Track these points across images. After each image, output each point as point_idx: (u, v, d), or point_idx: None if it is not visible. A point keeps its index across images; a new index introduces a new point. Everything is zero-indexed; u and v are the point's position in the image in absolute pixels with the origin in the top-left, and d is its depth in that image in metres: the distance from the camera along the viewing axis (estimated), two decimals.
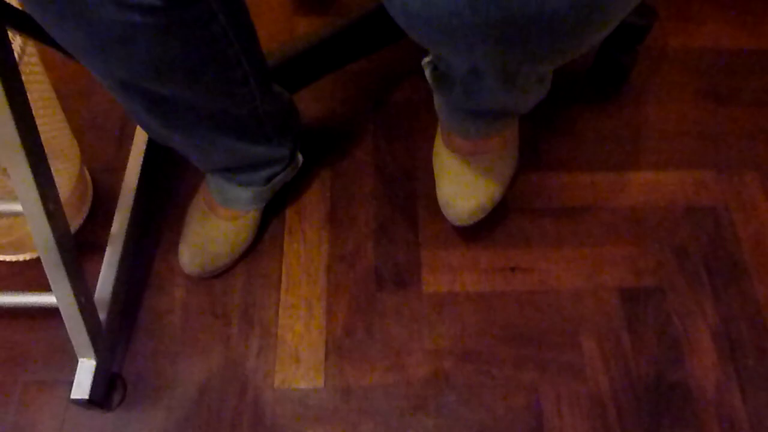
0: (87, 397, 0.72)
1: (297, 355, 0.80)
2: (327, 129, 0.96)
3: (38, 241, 0.65)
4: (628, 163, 0.94)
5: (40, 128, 0.76)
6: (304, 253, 0.87)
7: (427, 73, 0.72)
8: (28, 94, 0.61)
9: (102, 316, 0.76)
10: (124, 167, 0.89)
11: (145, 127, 0.69)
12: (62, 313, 0.70)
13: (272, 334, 0.81)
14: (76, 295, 0.69)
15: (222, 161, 0.76)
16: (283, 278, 0.85)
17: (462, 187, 0.78)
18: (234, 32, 0.58)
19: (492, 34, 0.39)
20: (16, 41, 0.70)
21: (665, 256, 0.87)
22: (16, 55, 0.68)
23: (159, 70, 0.55)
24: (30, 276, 0.85)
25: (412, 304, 0.83)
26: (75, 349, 0.73)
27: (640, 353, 0.80)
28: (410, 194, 0.91)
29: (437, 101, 0.76)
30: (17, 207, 0.64)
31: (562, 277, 0.85)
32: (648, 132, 0.96)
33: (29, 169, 0.62)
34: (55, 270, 0.67)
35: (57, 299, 0.69)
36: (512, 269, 0.86)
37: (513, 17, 0.37)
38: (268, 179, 0.81)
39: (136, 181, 0.87)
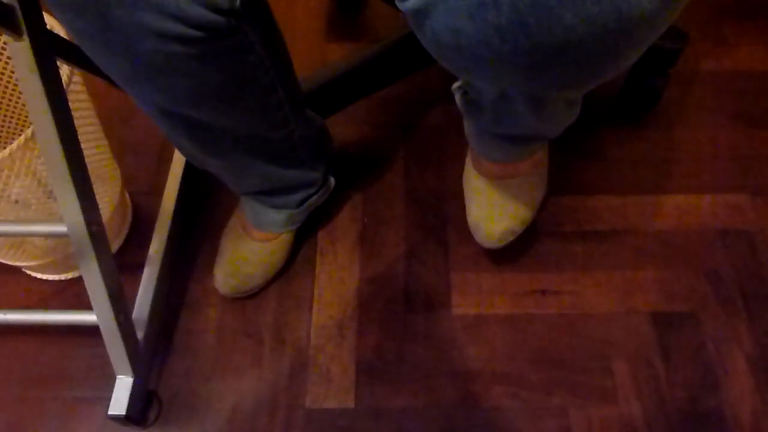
0: (124, 413, 0.74)
1: (328, 376, 0.81)
2: (359, 153, 0.98)
3: (81, 262, 0.67)
4: (660, 186, 0.93)
5: (84, 153, 0.79)
6: (336, 275, 0.88)
7: (457, 98, 0.74)
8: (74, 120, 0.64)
9: (140, 334, 0.78)
10: (162, 190, 0.92)
11: (182, 151, 0.71)
12: (102, 331, 0.72)
13: (304, 355, 0.82)
14: (116, 315, 0.72)
15: (256, 184, 0.78)
16: (315, 299, 0.86)
17: (492, 210, 0.78)
18: (270, 61, 0.60)
19: (520, 63, 0.40)
20: (63, 69, 0.74)
21: (698, 281, 0.86)
22: (63, 82, 0.72)
23: (198, 97, 0.58)
24: (71, 294, 0.88)
25: (442, 326, 0.84)
26: (113, 366, 0.75)
27: (674, 379, 0.79)
28: (440, 217, 0.92)
29: (467, 126, 0.77)
30: (62, 228, 0.67)
31: (592, 300, 0.85)
32: (680, 155, 0.96)
33: (75, 193, 0.64)
34: (96, 288, 0.70)
35: (97, 318, 0.72)
36: (542, 292, 0.86)
37: (540, 46, 0.38)
38: (301, 202, 0.82)
39: (174, 204, 0.90)
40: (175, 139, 0.67)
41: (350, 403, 0.79)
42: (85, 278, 0.69)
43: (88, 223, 0.66)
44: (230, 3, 0.50)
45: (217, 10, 0.49)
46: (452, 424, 0.77)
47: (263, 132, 0.69)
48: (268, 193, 0.80)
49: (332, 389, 0.80)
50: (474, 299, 0.86)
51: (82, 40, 0.52)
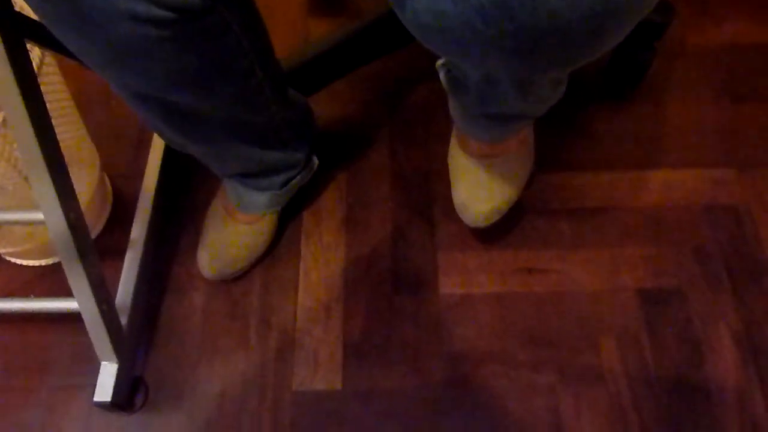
0: (110, 399, 0.73)
1: (315, 358, 0.81)
2: (343, 132, 0.97)
3: (60, 250, 0.66)
4: (647, 162, 0.93)
5: (59, 136, 0.77)
6: (321, 257, 0.87)
7: (442, 76, 0.72)
8: (46, 101, 0.62)
9: (123, 320, 0.77)
10: (143, 173, 0.90)
11: (161, 136, 0.70)
12: (84, 318, 0.71)
13: (290, 337, 0.82)
14: (98, 301, 0.70)
15: (238, 167, 0.76)
16: (301, 281, 0.86)
17: (477, 190, 0.78)
18: (248, 42, 0.58)
19: (505, 45, 0.39)
20: (35, 52, 0.71)
21: (685, 257, 0.86)
22: (35, 65, 0.69)
23: (174, 81, 0.56)
24: (54, 279, 0.87)
25: (429, 306, 0.83)
26: (97, 353, 0.74)
27: (660, 355, 0.80)
28: (426, 196, 0.91)
29: (452, 104, 0.76)
30: (39, 216, 0.65)
31: (579, 278, 0.85)
32: (666, 130, 0.95)
33: (50, 180, 0.63)
34: (76, 277, 0.68)
35: (79, 305, 0.70)
36: (529, 270, 0.86)
37: (525, 29, 0.37)
38: (285, 183, 0.81)
39: (155, 187, 0.88)
40: (152, 124, 0.66)
41: (338, 385, 0.79)
42: (65, 266, 0.68)
43: (66, 211, 0.65)
44: None
45: None
46: (441, 405, 0.78)
47: (244, 115, 0.67)
48: (250, 175, 0.78)
49: (320, 371, 0.80)
50: (461, 279, 0.85)
51: (51, 24, 0.50)
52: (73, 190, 0.67)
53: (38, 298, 0.76)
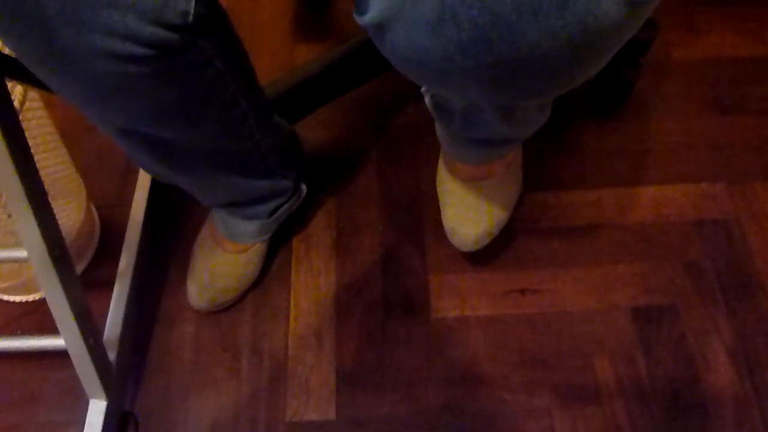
0: None
1: (308, 387, 0.80)
2: (330, 156, 0.96)
3: (45, 287, 0.65)
4: (635, 178, 0.93)
5: (43, 168, 0.76)
6: (312, 283, 0.87)
7: (427, 100, 0.72)
8: (30, 135, 0.61)
9: (111, 356, 0.76)
10: (130, 202, 0.90)
11: (145, 168, 0.69)
12: (71, 355, 0.70)
13: (282, 367, 0.81)
14: (85, 338, 0.69)
15: (225, 197, 0.76)
16: (292, 309, 0.85)
17: (467, 213, 0.77)
18: (230, 73, 0.58)
19: (484, 76, 0.39)
20: (18, 87, 0.71)
21: (677, 273, 0.85)
22: (17, 102, 0.69)
23: (157, 116, 0.55)
24: (40, 315, 0.86)
25: (422, 331, 0.83)
26: (85, 390, 0.73)
27: (655, 373, 0.79)
28: (416, 219, 0.91)
29: (438, 129, 0.76)
30: (22, 254, 0.65)
31: (572, 298, 0.84)
32: (654, 146, 0.96)
33: (33, 217, 0.62)
34: (62, 314, 0.67)
35: (65, 342, 0.69)
36: (522, 292, 0.85)
37: (504, 61, 0.37)
38: (273, 211, 0.81)
39: (143, 217, 0.88)
40: (136, 157, 0.65)
41: (331, 415, 0.78)
42: (49, 303, 0.67)
43: (50, 246, 0.64)
44: (183, 18, 0.48)
45: (168, 26, 0.47)
46: (436, 430, 0.77)
47: (228, 145, 0.66)
48: (238, 205, 0.78)
49: (312, 401, 0.79)
50: (453, 302, 0.84)
51: (28, 63, 0.49)
52: (56, 225, 0.66)
53: (24, 336, 0.75)
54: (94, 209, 0.91)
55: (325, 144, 0.97)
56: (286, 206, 0.82)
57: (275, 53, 1.07)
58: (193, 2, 0.48)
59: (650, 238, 0.88)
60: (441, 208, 0.81)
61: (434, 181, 0.89)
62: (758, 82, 1.01)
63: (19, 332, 0.84)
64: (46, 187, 0.77)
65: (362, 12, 0.41)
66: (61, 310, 0.67)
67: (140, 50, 0.47)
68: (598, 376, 0.79)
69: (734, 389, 0.78)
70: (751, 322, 0.82)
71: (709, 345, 0.81)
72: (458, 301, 0.84)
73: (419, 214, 0.91)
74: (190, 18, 0.48)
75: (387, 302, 0.85)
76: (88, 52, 0.46)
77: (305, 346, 0.82)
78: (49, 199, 0.74)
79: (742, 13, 1.08)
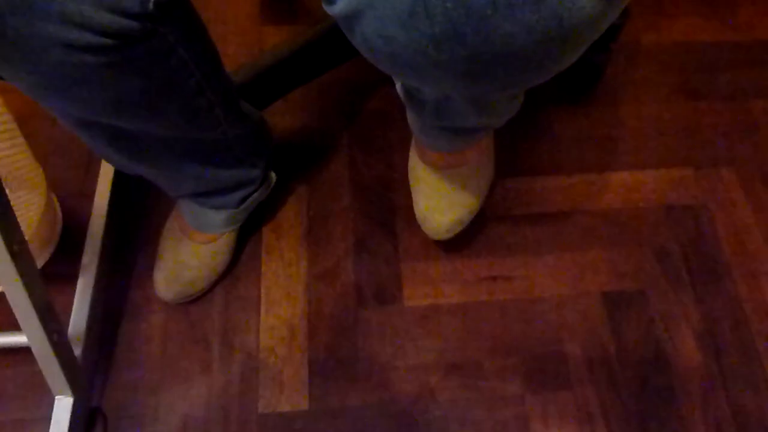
0: None
1: (280, 379, 0.79)
2: (300, 142, 0.95)
3: (4, 284, 0.63)
4: (606, 164, 0.93)
5: (0, 158, 0.73)
6: (283, 273, 0.85)
7: (398, 87, 0.71)
8: None
9: (77, 351, 0.74)
10: (93, 192, 0.87)
11: (108, 161, 0.67)
12: (35, 353, 0.68)
13: (254, 358, 0.80)
14: (48, 334, 0.67)
15: (192, 187, 0.74)
16: (263, 299, 0.84)
17: (439, 201, 0.77)
18: (194, 62, 0.56)
19: (458, 70, 0.38)
20: None
21: (646, 258, 0.86)
22: None
23: (118, 106, 0.53)
24: (2, 308, 0.83)
25: (395, 319, 0.82)
26: (50, 387, 0.71)
27: (625, 358, 0.80)
28: (388, 206, 0.90)
29: (410, 116, 0.75)
30: None
31: (544, 284, 0.85)
32: (624, 131, 0.96)
33: None
34: (24, 311, 0.65)
35: (28, 339, 0.67)
36: (494, 278, 0.85)
37: (478, 55, 0.36)
38: (242, 201, 0.79)
39: (107, 206, 0.85)
40: (98, 149, 0.63)
41: (304, 406, 0.77)
42: (9, 299, 0.65)
43: (7, 242, 0.61)
44: (142, 5, 0.46)
45: (127, 14, 0.45)
46: (410, 419, 0.77)
47: (194, 135, 0.64)
48: (206, 195, 0.76)
49: (285, 392, 0.78)
50: (425, 290, 0.84)
51: None
52: (14, 219, 0.63)
53: None
54: (55, 200, 0.88)
55: (295, 130, 0.95)
56: (255, 195, 0.80)
57: (242, 34, 1.04)
58: None
59: (620, 224, 0.89)
60: (413, 196, 0.80)
61: (406, 168, 0.88)
62: (727, 66, 1.01)
63: None
64: (3, 177, 0.74)
65: (331, 1, 0.39)
66: (22, 306, 0.65)
67: (97, 39, 0.45)
68: (569, 362, 0.80)
69: (701, 372, 0.79)
70: (717, 306, 0.83)
71: (678, 329, 0.82)
72: (430, 289, 0.84)
73: (391, 201, 0.90)
74: (151, 5, 0.46)
75: (359, 291, 0.84)
76: (41, 41, 0.44)
77: (277, 337, 0.81)
78: (8, 190, 0.71)
79: None
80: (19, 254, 0.63)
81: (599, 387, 0.78)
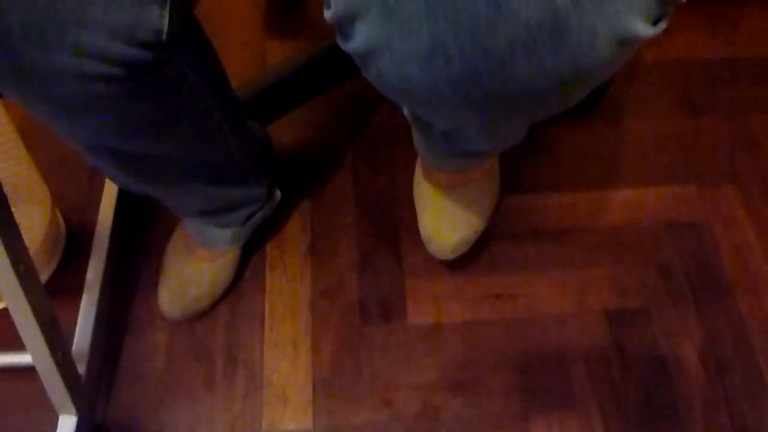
0: None
1: (284, 396, 0.79)
2: (304, 158, 0.95)
3: (10, 304, 0.63)
4: (608, 181, 0.93)
5: (4, 176, 0.73)
6: (287, 289, 0.85)
7: (405, 110, 0.71)
8: None
9: (81, 369, 0.74)
10: (97, 206, 0.87)
11: (114, 180, 0.67)
12: (39, 372, 0.68)
13: (258, 375, 0.80)
14: (53, 353, 0.67)
15: (198, 206, 0.74)
16: (267, 316, 0.84)
17: (444, 221, 0.77)
18: (205, 86, 0.56)
19: (472, 108, 0.38)
20: None
21: (649, 276, 0.87)
22: None
23: (128, 132, 0.53)
24: (5, 323, 0.83)
25: (399, 337, 0.82)
26: (55, 406, 0.71)
27: (628, 376, 0.80)
28: (392, 222, 0.90)
29: (416, 136, 0.75)
30: None
31: (547, 301, 0.85)
32: (626, 148, 0.96)
33: None
34: (29, 331, 0.65)
35: (33, 359, 0.67)
36: (497, 296, 0.85)
37: (495, 95, 0.36)
38: (247, 218, 0.79)
39: (111, 221, 0.85)
40: (105, 170, 0.63)
41: (308, 423, 0.77)
42: (15, 319, 0.64)
43: (14, 262, 0.61)
44: (156, 36, 0.46)
45: (141, 45, 0.45)
46: None
47: (202, 156, 0.65)
48: (211, 213, 0.76)
49: (289, 410, 0.78)
50: (429, 307, 0.84)
51: None
52: (20, 238, 0.63)
53: None
54: (59, 214, 0.88)
55: (298, 145, 0.96)
56: (260, 213, 0.80)
57: (245, 49, 1.04)
58: (167, 19, 0.46)
59: (623, 242, 0.89)
60: (418, 215, 0.80)
61: (410, 184, 0.88)
62: (729, 83, 1.02)
63: None
64: (7, 192, 0.74)
65: (346, 38, 0.39)
66: (27, 326, 0.64)
67: (111, 70, 0.45)
68: (573, 380, 0.80)
69: (704, 391, 0.80)
70: (720, 323, 0.84)
71: (680, 347, 0.82)
72: (434, 307, 0.84)
73: (395, 218, 0.90)
74: (164, 36, 0.46)
75: (363, 308, 0.84)
76: (55, 72, 0.44)
77: (281, 353, 0.81)
78: (12, 204, 0.71)
79: (712, 14, 1.09)
80: (25, 274, 0.63)
81: (602, 404, 0.79)
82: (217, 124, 0.61)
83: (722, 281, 0.86)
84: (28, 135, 0.81)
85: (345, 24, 0.38)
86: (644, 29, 0.34)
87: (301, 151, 0.95)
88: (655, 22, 0.36)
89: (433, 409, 0.78)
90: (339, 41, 0.40)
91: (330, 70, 0.92)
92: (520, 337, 0.83)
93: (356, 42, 0.38)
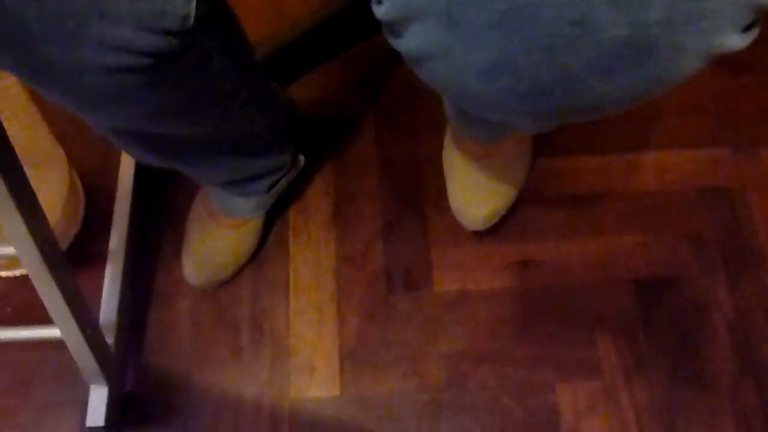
0: (102, 424, 0.71)
1: (311, 364, 0.79)
2: (325, 119, 0.91)
3: (38, 285, 0.62)
4: (642, 143, 0.90)
5: (17, 136, 0.71)
6: (311, 256, 0.84)
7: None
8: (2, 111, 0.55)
9: (110, 340, 0.74)
10: (116, 169, 0.85)
11: (137, 158, 0.64)
12: (69, 347, 0.68)
13: (284, 344, 0.80)
14: (82, 328, 0.67)
15: (223, 177, 0.72)
16: (291, 283, 0.83)
17: (475, 193, 0.75)
18: (231, 64, 0.53)
19: (533, 116, 0.35)
20: None
21: (680, 244, 0.85)
22: None
23: (154, 116, 0.51)
24: (31, 289, 0.82)
25: (425, 305, 0.82)
26: (85, 378, 0.71)
27: (655, 346, 0.80)
28: (417, 187, 0.87)
29: (447, 104, 0.71)
30: (10, 250, 0.61)
31: (575, 269, 0.84)
32: (662, 108, 0.92)
33: (18, 213, 0.57)
34: (56, 308, 0.64)
35: (63, 335, 0.67)
36: (524, 263, 0.84)
37: (562, 109, 0.33)
38: (271, 186, 0.77)
39: (131, 186, 0.83)
40: (129, 150, 0.60)
41: (336, 391, 0.78)
42: (43, 298, 0.64)
43: (40, 243, 0.60)
44: (183, 22, 0.42)
45: (168, 33, 0.42)
46: (440, 406, 0.77)
47: (228, 132, 0.62)
48: (234, 183, 0.74)
49: (316, 378, 0.79)
50: (456, 275, 0.83)
51: (12, 71, 0.44)
52: (44, 218, 0.62)
53: (18, 327, 0.72)
54: (77, 178, 0.86)
55: (318, 106, 0.92)
56: (284, 180, 0.78)
57: (262, 6, 0.98)
58: (194, 3, 0.42)
59: (654, 208, 0.87)
60: (447, 185, 0.78)
61: (436, 146, 0.86)
62: None
63: (9, 310, 0.81)
64: (23, 156, 0.72)
65: (397, 35, 0.36)
66: (56, 305, 0.64)
67: (136, 60, 0.42)
68: (599, 350, 0.80)
69: (731, 363, 0.79)
70: (751, 295, 0.82)
71: (709, 319, 0.81)
72: (461, 275, 0.83)
73: (420, 182, 0.88)
74: (191, 21, 0.43)
75: (388, 276, 0.83)
76: (77, 66, 0.41)
77: (307, 322, 0.81)
78: (29, 168, 0.69)
79: None
80: (50, 255, 0.62)
81: (629, 376, 0.79)
82: (243, 101, 0.58)
83: (755, 250, 0.85)
84: (38, 96, 0.78)
85: (397, 24, 0.35)
86: (735, 41, 0.31)
87: (321, 112, 0.92)
88: (745, 29, 0.33)
89: (460, 378, 0.78)
90: (388, 38, 0.37)
91: (352, 27, 0.87)
92: (546, 305, 0.82)
93: (409, 43, 0.35)
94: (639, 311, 0.82)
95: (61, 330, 0.66)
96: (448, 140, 0.79)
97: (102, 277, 0.79)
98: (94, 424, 0.71)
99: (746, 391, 0.78)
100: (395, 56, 0.95)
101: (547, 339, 0.80)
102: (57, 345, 0.77)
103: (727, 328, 0.81)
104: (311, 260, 0.84)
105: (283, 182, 0.78)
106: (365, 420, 0.77)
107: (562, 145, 0.90)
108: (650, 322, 0.81)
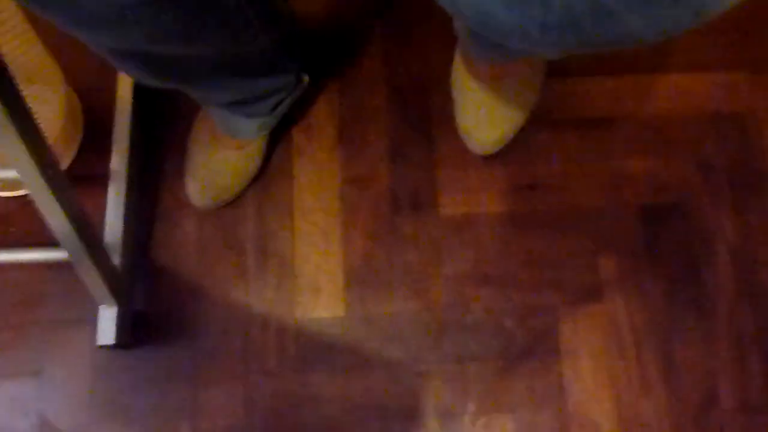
0: (113, 342, 0.73)
1: (316, 285, 0.80)
2: (329, 35, 0.88)
3: (43, 210, 0.61)
4: (654, 65, 0.87)
5: (11, 54, 0.68)
6: (315, 177, 0.83)
7: None
8: None
9: (116, 260, 0.74)
10: (113, 84, 0.82)
11: (138, 79, 0.62)
12: (76, 269, 0.68)
13: (289, 265, 0.80)
14: (89, 251, 0.67)
15: (226, 98, 0.70)
16: (296, 204, 0.82)
17: (484, 116, 0.73)
18: None
19: (558, 48, 0.34)
20: None
21: (688, 170, 0.84)
22: None
23: (153, 38, 0.48)
24: (35, 209, 0.82)
25: (430, 227, 0.82)
26: (94, 298, 0.72)
27: (657, 272, 0.81)
28: (424, 108, 0.85)
29: (457, 23, 0.68)
30: (12, 174, 0.60)
31: (582, 193, 0.83)
32: None
33: (19, 138, 0.56)
34: (64, 232, 0.64)
35: (70, 257, 0.67)
36: (531, 187, 0.83)
37: (589, 41, 0.31)
38: (275, 107, 0.75)
39: (130, 104, 0.81)
40: (129, 71, 0.58)
41: (340, 312, 0.79)
42: (48, 222, 0.63)
43: (43, 167, 0.59)
44: None
45: None
46: (443, 327, 0.79)
47: (231, 51, 0.59)
48: (237, 103, 0.72)
49: (321, 299, 0.80)
50: (462, 197, 0.83)
51: None
52: (45, 142, 0.60)
53: (25, 249, 0.72)
54: (74, 95, 0.84)
55: (324, 22, 0.88)
56: (288, 100, 0.76)
57: None
58: None
59: (665, 132, 0.85)
60: (455, 108, 0.76)
61: (444, 64, 0.83)
62: None
63: (12, 230, 0.81)
64: (18, 71, 0.69)
65: None
66: (62, 229, 0.63)
67: None
68: (601, 275, 0.81)
69: (730, 290, 0.80)
70: (755, 221, 0.82)
71: (712, 243, 0.82)
72: (467, 197, 0.83)
73: (427, 102, 0.85)
74: None
75: (394, 197, 0.83)
76: None
77: (312, 243, 0.81)
78: (25, 83, 0.67)
79: None
80: (54, 178, 0.61)
81: (628, 300, 0.80)
82: (246, 20, 0.55)
83: (763, 176, 0.84)
84: (32, 14, 0.74)
85: None
86: None
87: (326, 28, 0.88)
88: None
89: (464, 301, 0.80)
90: None
91: None
92: (552, 229, 0.82)
93: None
94: (644, 236, 0.82)
95: (68, 251, 0.66)
96: (457, 60, 0.76)
97: (105, 198, 0.78)
98: (104, 342, 0.73)
99: (742, 315, 0.79)
100: None
101: (550, 263, 0.81)
102: (65, 265, 0.78)
103: (730, 254, 0.81)
104: (316, 182, 0.83)
105: (287, 102, 0.76)
106: (369, 340, 0.78)
107: (574, 65, 0.87)
108: (654, 247, 0.82)
